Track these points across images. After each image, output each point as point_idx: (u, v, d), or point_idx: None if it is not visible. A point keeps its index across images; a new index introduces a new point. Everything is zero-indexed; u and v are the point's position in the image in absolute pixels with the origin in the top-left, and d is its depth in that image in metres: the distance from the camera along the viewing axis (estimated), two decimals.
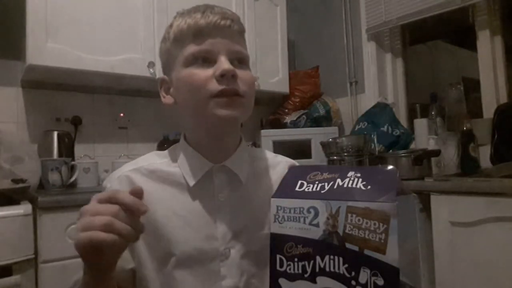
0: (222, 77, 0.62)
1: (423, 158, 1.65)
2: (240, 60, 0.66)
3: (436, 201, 1.40)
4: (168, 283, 0.64)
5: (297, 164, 0.79)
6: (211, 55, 0.63)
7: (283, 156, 0.80)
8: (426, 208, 1.44)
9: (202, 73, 0.63)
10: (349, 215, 0.43)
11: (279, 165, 0.76)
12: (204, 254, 0.64)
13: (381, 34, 2.32)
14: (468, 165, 1.65)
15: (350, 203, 0.43)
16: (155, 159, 0.72)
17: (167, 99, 0.71)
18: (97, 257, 0.49)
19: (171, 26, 0.68)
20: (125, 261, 0.65)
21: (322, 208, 0.45)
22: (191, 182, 0.67)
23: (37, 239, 1.33)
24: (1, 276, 1.24)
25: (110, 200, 0.49)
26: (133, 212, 0.49)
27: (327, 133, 2.07)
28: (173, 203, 0.66)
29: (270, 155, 0.79)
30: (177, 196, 0.67)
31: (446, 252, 1.37)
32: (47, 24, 1.60)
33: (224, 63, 0.62)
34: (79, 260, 0.51)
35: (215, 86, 0.62)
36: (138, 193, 0.51)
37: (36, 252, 1.32)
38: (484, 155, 1.71)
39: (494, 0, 1.89)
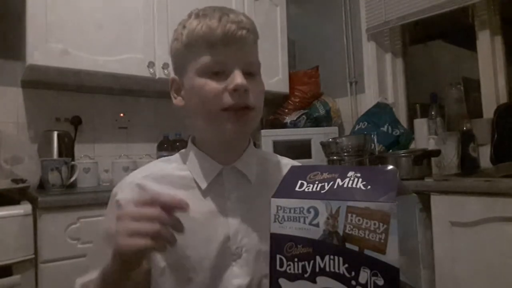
0: (235, 91, 0.63)
1: (423, 158, 1.65)
2: (252, 70, 0.67)
3: (436, 201, 1.40)
4: (182, 284, 0.65)
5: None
6: (225, 68, 0.64)
7: (288, 159, 0.81)
8: (426, 208, 1.44)
9: (215, 85, 0.63)
10: (349, 215, 0.43)
11: (286, 166, 0.77)
12: (217, 254, 0.65)
13: (381, 34, 2.32)
14: (468, 165, 1.65)
15: (350, 203, 0.43)
16: (165, 165, 0.73)
17: (178, 100, 0.71)
18: (137, 260, 0.52)
19: (184, 26, 0.67)
20: (147, 260, 0.66)
21: (322, 208, 0.45)
22: (203, 185, 0.68)
23: (37, 239, 1.33)
24: (1, 276, 1.24)
25: (152, 203, 0.51)
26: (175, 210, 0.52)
27: (327, 133, 2.07)
28: None
29: (277, 157, 0.80)
30: (189, 198, 0.67)
31: (446, 252, 1.37)
32: (47, 24, 1.60)
33: (237, 78, 0.62)
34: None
35: (227, 100, 0.63)
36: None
37: (36, 252, 1.32)
38: (484, 155, 1.71)
39: (494, 0, 1.89)
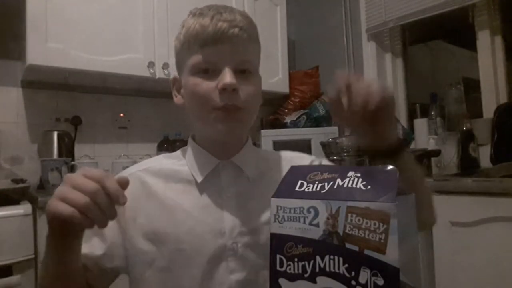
0: (224, 90, 0.62)
1: (423, 158, 1.65)
2: (246, 68, 0.66)
3: (436, 201, 1.38)
4: (177, 281, 0.65)
5: (305, 155, 0.80)
6: (215, 67, 0.64)
7: (291, 152, 0.80)
8: None
9: (206, 84, 0.64)
10: (349, 215, 0.43)
11: (289, 162, 0.75)
12: (212, 248, 0.65)
13: (381, 34, 2.32)
14: (468, 165, 1.65)
15: (350, 203, 0.43)
16: (164, 160, 0.74)
17: (178, 99, 0.73)
18: (61, 227, 0.50)
19: (183, 26, 0.68)
20: (110, 259, 0.66)
21: (322, 208, 0.45)
22: (199, 178, 0.69)
23: (37, 239, 1.33)
24: (1, 276, 1.24)
25: (97, 180, 0.49)
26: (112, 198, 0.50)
27: (327, 133, 2.06)
28: (181, 199, 0.68)
29: (277, 154, 0.80)
30: (185, 192, 0.68)
31: (446, 252, 1.37)
32: (47, 24, 1.60)
33: (226, 77, 0.62)
34: None
35: (216, 99, 0.63)
36: (123, 183, 0.52)
37: (36, 252, 1.32)
38: (484, 155, 1.71)
39: (494, 0, 1.89)
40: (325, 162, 0.83)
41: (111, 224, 0.64)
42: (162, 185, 0.69)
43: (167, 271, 0.65)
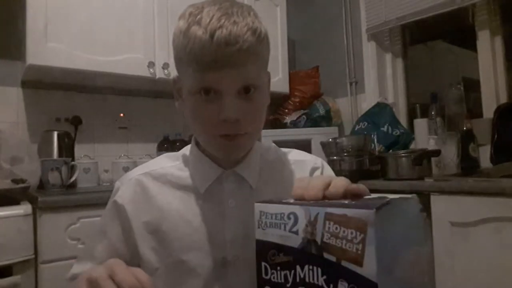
0: (225, 121, 0.59)
1: (423, 158, 1.65)
2: (250, 88, 0.60)
3: (436, 201, 1.40)
4: None
5: (309, 158, 0.77)
6: (217, 89, 0.59)
7: (294, 151, 0.77)
8: (426, 208, 1.44)
9: (206, 109, 0.60)
10: (327, 222, 0.40)
11: (292, 164, 0.74)
12: (214, 261, 0.64)
13: (381, 34, 2.31)
14: (468, 165, 1.65)
15: (328, 209, 0.40)
16: (167, 162, 0.72)
17: (179, 106, 0.67)
18: None
19: (180, 31, 0.59)
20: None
21: (301, 214, 0.42)
22: (202, 188, 0.67)
23: (37, 239, 1.33)
24: (1, 276, 1.24)
25: None
26: None
27: (327, 133, 2.06)
28: (183, 208, 0.66)
29: (279, 155, 0.76)
30: (186, 201, 0.67)
31: (446, 252, 1.37)
32: (47, 24, 1.61)
33: (227, 109, 0.58)
34: None
35: (218, 127, 0.60)
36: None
37: (36, 252, 1.33)
38: (484, 155, 1.71)
39: (494, 0, 1.88)
40: (327, 168, 0.78)
41: (118, 232, 0.65)
42: (163, 192, 0.67)
43: (170, 281, 0.64)
